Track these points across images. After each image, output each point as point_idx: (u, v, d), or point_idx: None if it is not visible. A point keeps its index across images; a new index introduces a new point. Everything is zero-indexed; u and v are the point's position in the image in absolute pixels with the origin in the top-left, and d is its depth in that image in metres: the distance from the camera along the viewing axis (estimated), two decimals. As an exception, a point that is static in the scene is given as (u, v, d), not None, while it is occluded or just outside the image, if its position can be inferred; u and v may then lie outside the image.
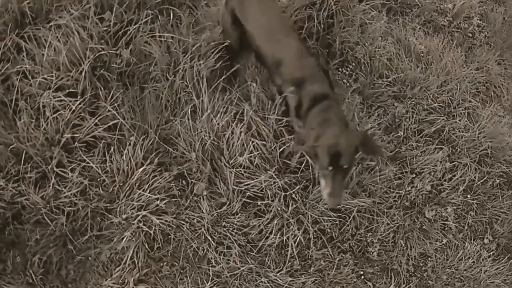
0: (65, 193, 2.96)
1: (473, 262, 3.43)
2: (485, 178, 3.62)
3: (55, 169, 2.97)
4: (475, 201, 3.55)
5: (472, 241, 3.44)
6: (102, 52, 3.14)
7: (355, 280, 3.16)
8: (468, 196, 3.54)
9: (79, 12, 3.19)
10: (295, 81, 2.91)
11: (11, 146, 2.99)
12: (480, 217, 3.56)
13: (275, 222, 3.01)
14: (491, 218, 3.62)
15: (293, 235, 3.03)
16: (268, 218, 3.03)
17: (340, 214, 3.13)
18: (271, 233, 3.01)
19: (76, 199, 2.97)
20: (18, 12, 3.27)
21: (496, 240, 3.59)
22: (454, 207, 3.46)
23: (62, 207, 2.96)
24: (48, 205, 2.96)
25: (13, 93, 3.11)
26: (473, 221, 3.50)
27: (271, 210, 3.03)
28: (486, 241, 3.54)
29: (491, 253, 3.52)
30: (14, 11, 3.26)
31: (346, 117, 3.02)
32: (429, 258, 3.35)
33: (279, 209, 3.03)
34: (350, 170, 2.87)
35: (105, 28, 3.22)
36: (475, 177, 3.55)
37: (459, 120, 3.56)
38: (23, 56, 3.18)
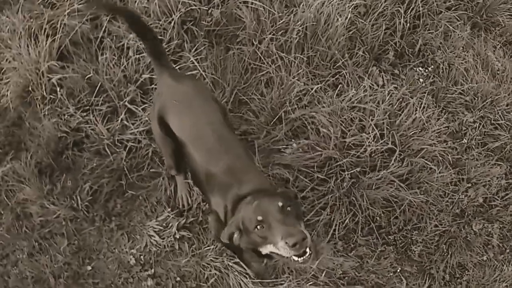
0: (132, 129, 2.85)
1: (507, 286, 3.25)
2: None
3: (127, 104, 2.86)
4: (523, 225, 3.35)
5: (510, 266, 3.27)
6: (194, 7, 3.00)
7: (391, 275, 2.92)
8: None
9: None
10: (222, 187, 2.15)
11: (87, 76, 2.91)
12: (524, 243, 3.37)
13: (328, 197, 2.82)
14: (534, 246, 3.41)
15: (342, 216, 2.85)
16: (323, 193, 2.85)
17: (393, 205, 2.91)
18: (322, 208, 2.84)
19: (141, 137, 2.85)
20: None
21: (535, 270, 3.38)
22: (501, 225, 3.29)
23: (126, 142, 2.84)
24: (112, 138, 2.83)
25: (100, 32, 3.05)
26: (516, 244, 3.33)
27: (328, 186, 2.84)
28: (524, 268, 3.35)
29: (527, 282, 3.34)
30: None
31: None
32: (466, 271, 3.16)
33: (334, 186, 2.84)
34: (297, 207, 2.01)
35: (200, -15, 3.07)
36: (526, 201, 3.36)
37: (522, 141, 3.38)
38: (116, -1, 3.09)
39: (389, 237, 2.98)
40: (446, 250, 3.09)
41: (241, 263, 2.69)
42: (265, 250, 1.92)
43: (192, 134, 2.23)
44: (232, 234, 1.96)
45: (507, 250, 3.26)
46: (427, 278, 3.02)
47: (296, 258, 1.82)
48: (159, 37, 2.90)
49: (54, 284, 2.75)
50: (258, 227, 1.85)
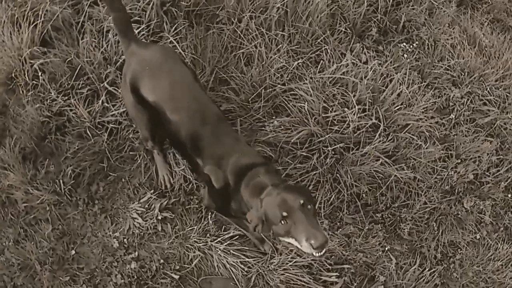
0: (112, 111, 2.75)
1: (502, 265, 3.10)
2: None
3: (107, 86, 2.76)
4: (516, 202, 3.18)
5: (505, 244, 3.14)
6: None
7: (380, 253, 2.79)
8: (509, 195, 3.12)
9: None
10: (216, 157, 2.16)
11: (68, 60, 2.80)
12: (518, 221, 3.23)
13: (311, 174, 2.71)
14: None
15: (326, 193, 2.72)
16: (306, 170, 2.73)
17: (379, 182, 2.77)
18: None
19: (122, 119, 2.74)
20: None
21: (530, 249, 3.23)
22: (493, 203, 3.06)
23: (107, 124, 2.74)
24: (93, 120, 2.73)
25: (81, 16, 3.01)
26: (510, 223, 3.19)
27: (311, 163, 2.72)
28: (519, 247, 3.20)
29: (522, 260, 3.19)
30: None
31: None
32: (458, 250, 3.03)
33: (317, 162, 2.71)
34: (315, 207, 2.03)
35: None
36: (519, 177, 3.11)
37: (512, 117, 3.25)
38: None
39: (377, 215, 2.86)
40: (437, 228, 2.96)
41: (239, 228, 2.64)
42: (286, 240, 1.99)
43: (168, 96, 2.19)
44: (256, 226, 1.99)
45: (501, 228, 3.13)
46: (418, 257, 2.89)
47: (314, 253, 1.88)
48: (139, 19, 2.84)
49: (40, 271, 2.68)
50: (282, 221, 1.89)
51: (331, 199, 2.73)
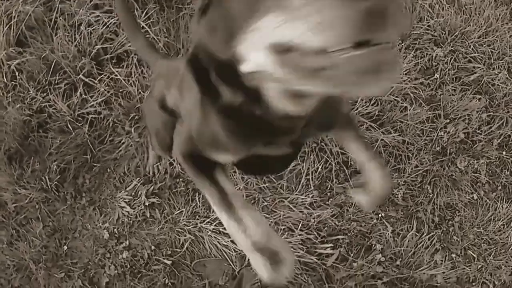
0: (91, 102, 2.68)
1: (503, 225, 2.99)
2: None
3: (83, 77, 2.69)
4: (511, 159, 3.01)
5: (504, 203, 3.04)
6: None
7: (374, 221, 2.70)
8: (504, 152, 3.01)
9: None
10: None
11: (43, 56, 2.74)
12: (515, 178, 2.98)
13: None
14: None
15: (313, 164, 2.63)
16: None
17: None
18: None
19: (101, 109, 2.67)
20: None
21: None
22: (488, 161, 2.95)
23: (87, 115, 2.67)
24: (73, 113, 2.66)
25: (53, 13, 3.02)
26: (507, 181, 3.10)
27: None
28: (519, 204, 3.08)
29: (524, 218, 3.07)
30: None
31: None
32: (457, 212, 2.94)
33: None
34: None
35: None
36: (511, 134, 3.04)
37: (499, 73, 3.07)
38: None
39: (367, 181, 2.77)
40: (431, 191, 2.86)
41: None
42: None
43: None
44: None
45: (499, 187, 3.02)
46: (415, 222, 2.80)
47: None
48: (109, 8, 2.79)
49: (35, 270, 2.63)
50: None
51: (318, 169, 2.64)
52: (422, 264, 2.72)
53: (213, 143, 1.20)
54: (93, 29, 2.75)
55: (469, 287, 2.85)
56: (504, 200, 2.95)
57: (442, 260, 2.78)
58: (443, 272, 2.75)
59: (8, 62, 2.82)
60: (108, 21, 2.72)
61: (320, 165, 2.62)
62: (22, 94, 2.79)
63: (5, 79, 2.82)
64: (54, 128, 2.73)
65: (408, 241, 2.69)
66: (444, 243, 2.83)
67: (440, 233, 2.82)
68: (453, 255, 2.86)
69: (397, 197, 2.75)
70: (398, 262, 2.70)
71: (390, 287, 2.62)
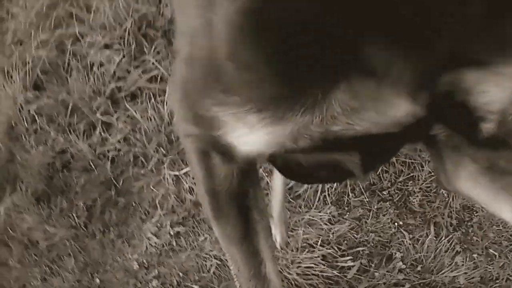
0: (110, 140, 2.79)
1: (524, 221, 3.04)
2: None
3: (99, 117, 2.81)
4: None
5: (521, 198, 3.07)
6: (145, 12, 2.94)
7: (393, 231, 2.75)
8: None
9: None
10: None
11: (61, 99, 2.88)
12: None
13: None
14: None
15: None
16: None
17: None
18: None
19: (120, 145, 2.79)
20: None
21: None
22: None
23: (107, 153, 2.79)
24: (94, 152, 2.79)
25: (66, 55, 3.15)
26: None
27: None
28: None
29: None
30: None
31: None
32: (474, 213, 2.99)
33: None
34: None
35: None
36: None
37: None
38: (74, 21, 3.17)
39: (383, 192, 2.83)
40: (447, 195, 2.91)
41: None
42: None
43: None
44: None
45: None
46: (433, 227, 2.87)
47: None
48: (119, 47, 2.90)
49: (70, 304, 2.75)
50: None
51: (334, 185, 2.73)
52: (443, 268, 2.78)
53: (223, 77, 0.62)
54: (105, 70, 2.85)
55: (493, 285, 2.88)
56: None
57: (463, 262, 2.83)
58: (465, 273, 2.80)
59: (27, 107, 2.94)
60: (120, 60, 2.82)
61: (335, 181, 2.68)
62: (44, 137, 2.91)
63: (26, 123, 2.95)
64: (77, 168, 2.85)
65: (428, 246, 2.75)
66: (465, 244, 2.88)
67: (459, 235, 2.87)
68: (475, 255, 2.90)
69: (414, 204, 2.81)
70: (419, 268, 2.76)
71: (413, 293, 2.69)
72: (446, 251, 2.82)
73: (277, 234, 2.65)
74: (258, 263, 0.86)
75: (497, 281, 2.91)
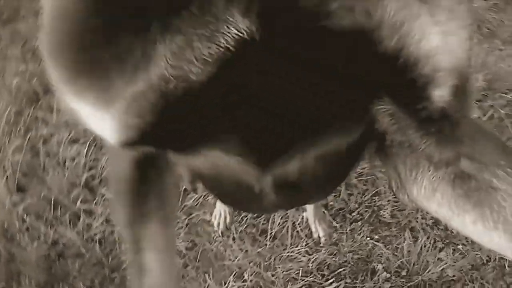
0: (94, 225, 3.03)
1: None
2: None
3: (80, 205, 3.06)
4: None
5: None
6: None
7: (370, 246, 2.91)
8: None
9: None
10: None
11: (42, 196, 3.17)
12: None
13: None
14: None
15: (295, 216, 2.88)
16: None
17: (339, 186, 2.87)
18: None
19: (103, 227, 3.02)
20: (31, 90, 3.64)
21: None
22: None
23: (94, 236, 3.02)
24: (82, 238, 3.00)
25: (40, 156, 3.38)
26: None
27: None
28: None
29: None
30: (27, 90, 3.65)
31: None
32: (448, 209, 3.10)
33: None
34: None
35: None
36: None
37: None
38: (40, 124, 3.41)
39: (353, 214, 2.98)
40: (415, 200, 3.05)
41: None
42: None
43: None
44: None
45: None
46: (410, 232, 2.99)
47: None
48: (85, 139, 3.14)
49: None
50: None
51: (303, 218, 2.89)
52: (428, 266, 2.89)
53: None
54: (76, 162, 3.09)
55: (486, 269, 2.95)
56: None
57: (447, 256, 2.92)
58: (453, 265, 2.89)
59: (15, 208, 3.19)
60: (86, 151, 3.06)
61: (301, 214, 2.85)
62: (35, 233, 3.14)
63: (17, 223, 3.18)
64: (70, 255, 3.06)
65: (408, 250, 2.89)
66: (446, 239, 2.99)
67: (439, 232, 2.99)
68: (460, 246, 3.00)
69: (385, 217, 2.95)
70: (404, 273, 2.87)
71: (403, 298, 2.78)
72: (427, 251, 2.93)
73: (320, 231, 2.80)
74: (138, 250, 0.87)
75: (489, 263, 2.99)
